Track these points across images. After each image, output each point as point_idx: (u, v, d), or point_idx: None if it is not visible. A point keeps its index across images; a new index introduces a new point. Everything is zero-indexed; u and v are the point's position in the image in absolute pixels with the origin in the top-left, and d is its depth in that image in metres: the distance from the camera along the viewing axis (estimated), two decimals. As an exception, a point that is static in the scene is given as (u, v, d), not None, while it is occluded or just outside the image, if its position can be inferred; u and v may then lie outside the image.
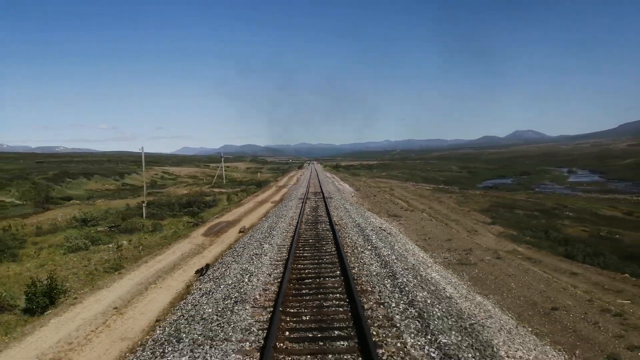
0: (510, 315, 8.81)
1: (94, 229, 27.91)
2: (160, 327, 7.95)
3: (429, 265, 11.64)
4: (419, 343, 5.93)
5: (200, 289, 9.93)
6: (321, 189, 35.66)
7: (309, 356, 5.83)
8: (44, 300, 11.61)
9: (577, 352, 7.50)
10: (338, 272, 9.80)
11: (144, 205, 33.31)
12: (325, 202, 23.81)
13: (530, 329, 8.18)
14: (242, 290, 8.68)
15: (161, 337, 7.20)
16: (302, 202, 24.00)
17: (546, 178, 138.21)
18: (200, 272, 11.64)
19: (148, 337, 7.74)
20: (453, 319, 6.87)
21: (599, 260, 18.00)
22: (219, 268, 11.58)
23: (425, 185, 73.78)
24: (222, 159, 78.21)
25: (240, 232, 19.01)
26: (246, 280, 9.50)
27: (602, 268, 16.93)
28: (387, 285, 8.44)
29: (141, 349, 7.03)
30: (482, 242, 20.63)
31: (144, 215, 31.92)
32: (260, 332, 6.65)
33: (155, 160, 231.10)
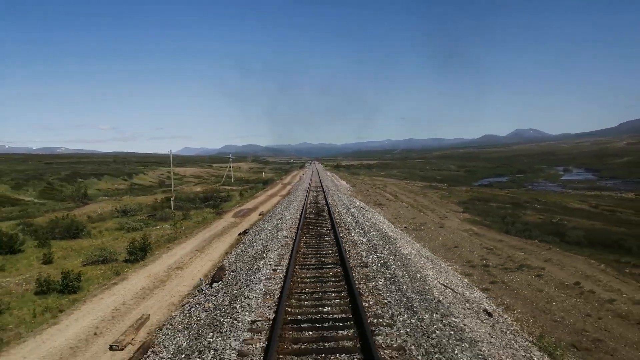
0: (421, 244, 15.34)
1: (134, 217, 34.47)
2: (228, 254, 14.45)
3: (386, 224, 18.22)
4: (361, 240, 12.55)
5: (248, 238, 16.46)
6: (321, 185, 42.17)
7: (313, 243, 12.38)
8: (140, 253, 18.11)
9: (453, 262, 14.00)
10: (329, 222, 16.54)
11: (172, 199, 39.90)
12: (324, 194, 30.37)
13: (423, 244, 14.68)
14: (280, 226, 15.28)
15: (232, 256, 13.70)
16: (307, 193, 30.57)
17: (541, 176, 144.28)
18: (243, 233, 18.16)
19: (224, 257, 14.25)
20: (381, 235, 13.50)
21: (526, 234, 24.48)
22: (254, 230, 18.11)
23: (419, 183, 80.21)
24: (230, 160, 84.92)
25: (260, 214, 25.54)
26: (280, 225, 16.09)
27: (526, 239, 23.36)
28: (353, 225, 15.28)
29: (223, 261, 13.53)
30: (446, 223, 27.07)
31: (172, 207, 38.47)
32: (290, 239, 13.30)
33: (159, 161, 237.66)
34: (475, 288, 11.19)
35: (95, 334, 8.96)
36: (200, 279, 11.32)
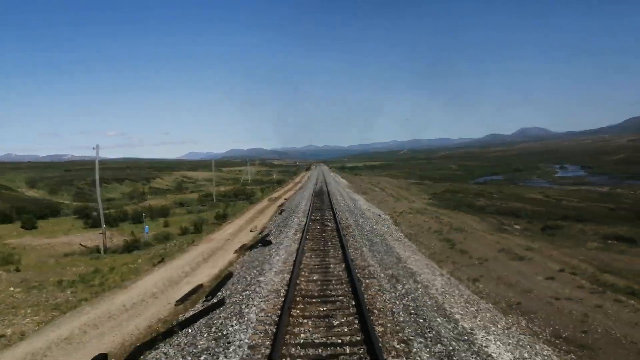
0: (375, 205, 28.94)
1: (189, 207, 48.34)
2: (270, 222, 28.12)
3: (362, 200, 31.96)
4: (344, 204, 26.30)
5: (283, 211, 30.27)
6: (325, 182, 55.82)
7: (319, 205, 26.10)
8: (222, 218, 31.95)
9: (386, 209, 27.61)
10: (327, 202, 30.28)
11: (214, 194, 53.77)
12: (327, 186, 44.02)
13: (376, 206, 28.25)
14: (299, 205, 29.06)
15: (276, 223, 27.35)
16: (314, 186, 44.29)
17: (535, 174, 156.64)
18: (280, 207, 31.89)
19: (271, 221, 27.92)
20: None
21: (458, 209, 37.96)
22: (286, 207, 31.85)
23: (410, 181, 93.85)
24: (248, 164, 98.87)
25: (285, 199, 39.25)
26: (299, 203, 29.83)
27: (455, 211, 36.80)
28: (342, 204, 28.97)
29: (268, 226, 27.23)
30: (409, 204, 40.46)
31: (214, 200, 52.32)
32: (307, 209, 26.95)
33: (170, 166, 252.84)
34: (383, 211, 24.67)
35: (218, 248, 22.57)
36: (280, 210, 24.94)
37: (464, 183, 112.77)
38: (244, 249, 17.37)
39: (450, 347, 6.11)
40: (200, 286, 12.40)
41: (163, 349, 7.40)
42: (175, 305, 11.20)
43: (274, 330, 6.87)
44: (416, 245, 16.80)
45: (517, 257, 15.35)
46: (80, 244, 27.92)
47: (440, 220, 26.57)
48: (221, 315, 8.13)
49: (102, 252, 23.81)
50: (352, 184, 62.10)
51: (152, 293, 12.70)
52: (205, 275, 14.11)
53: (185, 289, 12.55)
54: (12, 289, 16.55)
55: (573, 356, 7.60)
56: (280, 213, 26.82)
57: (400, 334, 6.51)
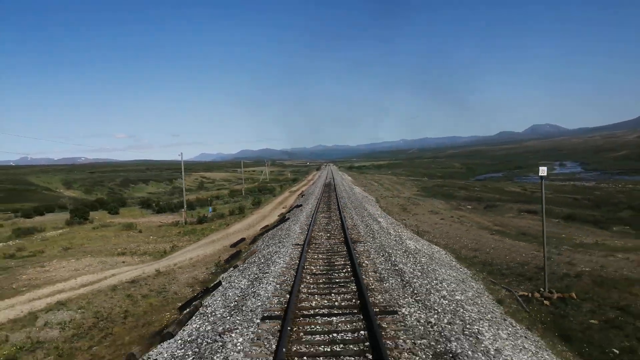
0: (366, 192, 41.30)
1: (225, 199, 60.98)
2: (297, 201, 40.61)
3: (358, 190, 44.42)
4: (345, 192, 38.80)
5: (304, 195, 42.85)
6: (333, 178, 68.26)
7: (327, 194, 38.65)
8: (257, 204, 44.66)
9: (373, 194, 39.90)
10: (333, 190, 42.80)
11: (242, 190, 66.46)
12: (334, 182, 56.43)
13: (368, 192, 40.60)
14: (314, 191, 41.65)
15: (300, 201, 39.86)
16: (324, 181, 56.79)
17: (533, 171, 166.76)
18: (300, 195, 44.45)
19: (296, 200, 40.44)
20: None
21: (436, 197, 50.00)
22: (305, 194, 44.42)
23: (412, 178, 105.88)
24: (267, 164, 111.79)
25: (302, 190, 51.76)
26: (314, 191, 42.36)
27: (438, 199, 48.86)
28: (344, 193, 41.41)
29: (295, 202, 39.76)
30: (398, 193, 52.63)
31: (243, 194, 64.96)
32: (319, 194, 39.50)
33: (188, 167, 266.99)
34: (372, 196, 36.91)
35: (265, 216, 35.08)
36: (301, 194, 37.43)
37: (464, 180, 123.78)
38: (283, 213, 29.84)
39: (383, 239, 18.39)
40: (267, 225, 24.86)
41: (264, 237, 19.75)
42: (259, 230, 23.67)
43: (308, 227, 19.22)
44: (383, 210, 29.01)
45: (435, 214, 27.62)
46: (160, 222, 40.58)
47: (412, 202, 38.72)
48: (285, 225, 20.51)
49: (184, 223, 36.31)
50: (355, 180, 74.40)
51: (243, 229, 25.25)
52: (267, 223, 26.66)
53: (259, 226, 25.04)
54: (151, 237, 29.21)
55: (426, 238, 19.79)
56: (301, 196, 39.30)
57: (358, 229, 18.76)
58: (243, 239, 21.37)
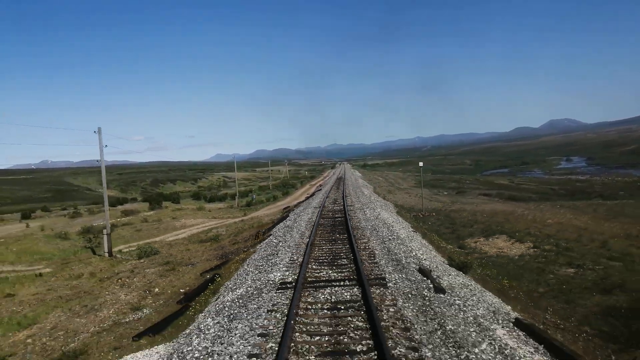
0: (368, 182, 56.31)
1: (257, 192, 76.56)
2: (315, 190, 55.89)
3: (361, 182, 59.60)
4: (352, 182, 53.92)
5: (322, 185, 58.24)
6: (344, 175, 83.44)
7: (337, 185, 53.97)
8: (286, 194, 60.13)
9: (369, 182, 54.99)
10: (343, 179, 58.13)
11: (270, 185, 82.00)
12: (344, 176, 71.51)
13: (369, 183, 55.63)
14: (330, 180, 56.97)
15: (318, 191, 55.11)
16: (337, 177, 72.08)
17: (538, 167, 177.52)
18: (319, 186, 59.84)
19: (315, 189, 55.68)
20: (354, 179, 55.02)
21: (425, 187, 64.63)
22: (322, 184, 59.74)
23: (417, 173, 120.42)
24: (286, 164, 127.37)
25: (320, 184, 67.08)
26: (328, 183, 57.63)
27: (426, 188, 63.48)
28: (349, 180, 56.69)
29: (315, 189, 55.09)
30: (395, 184, 67.35)
31: (270, 188, 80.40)
32: (332, 185, 54.79)
33: (209, 168, 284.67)
34: (371, 185, 51.81)
35: (295, 198, 50.33)
36: (319, 186, 52.71)
37: (472, 175, 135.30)
38: (307, 196, 45.09)
39: (362, 199, 33.35)
40: (299, 202, 40.14)
41: (299, 206, 34.86)
42: (294, 204, 38.96)
43: (326, 196, 34.31)
44: (374, 191, 43.92)
45: (407, 194, 42.62)
46: (218, 207, 56.09)
47: (402, 189, 53.47)
48: (315, 199, 35.69)
49: (236, 206, 51.83)
50: (363, 175, 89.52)
51: (284, 204, 40.67)
52: (298, 201, 42.00)
53: (295, 202, 40.35)
54: (221, 213, 44.65)
55: (387, 199, 34.65)
56: (319, 187, 54.61)
57: (351, 198, 33.81)
58: (288, 207, 36.67)
